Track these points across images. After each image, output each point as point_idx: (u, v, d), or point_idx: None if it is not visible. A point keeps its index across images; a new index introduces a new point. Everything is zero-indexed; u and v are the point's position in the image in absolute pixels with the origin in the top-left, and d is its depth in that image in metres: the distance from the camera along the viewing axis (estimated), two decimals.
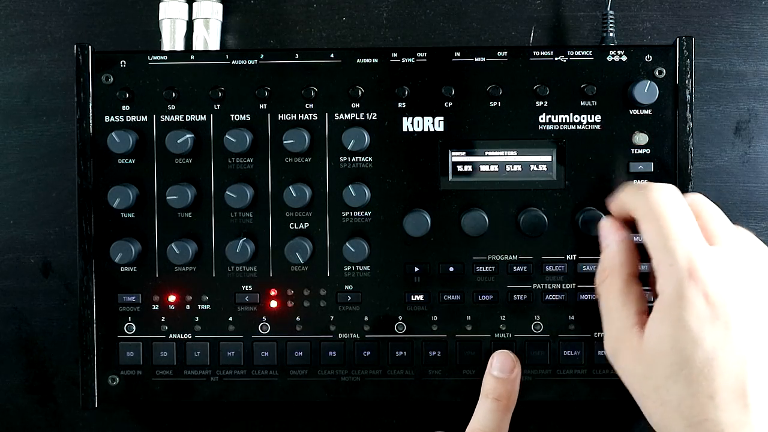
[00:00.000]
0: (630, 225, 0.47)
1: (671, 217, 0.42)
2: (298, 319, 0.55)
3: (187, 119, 0.54)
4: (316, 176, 0.54)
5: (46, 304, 0.61)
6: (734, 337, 0.39)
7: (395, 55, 0.54)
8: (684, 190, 0.53)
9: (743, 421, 0.38)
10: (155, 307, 0.55)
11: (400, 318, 0.55)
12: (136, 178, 0.55)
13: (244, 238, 0.54)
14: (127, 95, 0.54)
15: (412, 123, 0.54)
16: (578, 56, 0.54)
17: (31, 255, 0.60)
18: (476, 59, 0.54)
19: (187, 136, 0.53)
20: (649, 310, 0.43)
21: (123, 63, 0.54)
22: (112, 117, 0.55)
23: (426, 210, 0.54)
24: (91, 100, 0.54)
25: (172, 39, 0.58)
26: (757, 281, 0.41)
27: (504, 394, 0.51)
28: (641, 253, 0.46)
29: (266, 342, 0.55)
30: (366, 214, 0.54)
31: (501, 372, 0.52)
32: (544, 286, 0.54)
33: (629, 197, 0.46)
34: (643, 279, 0.47)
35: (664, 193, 0.43)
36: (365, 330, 0.55)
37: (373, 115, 0.54)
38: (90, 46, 0.54)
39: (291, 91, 0.54)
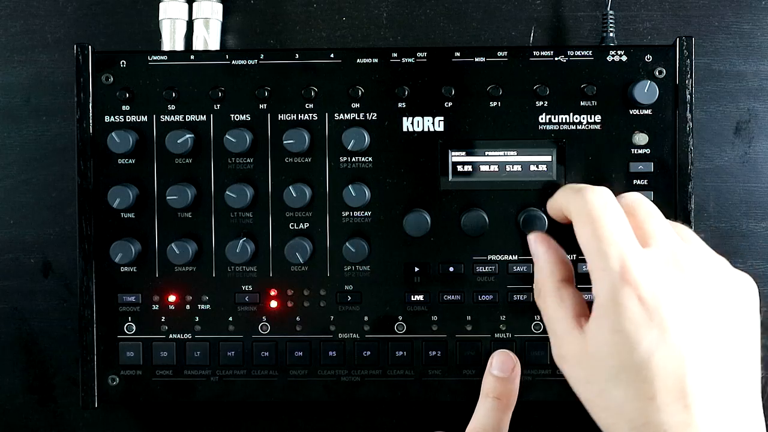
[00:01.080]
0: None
1: (604, 219, 0.41)
2: (298, 319, 0.55)
3: (187, 119, 0.54)
4: (316, 176, 0.54)
5: (46, 304, 0.61)
6: (670, 337, 0.39)
7: (395, 55, 0.54)
8: (684, 190, 0.53)
9: (686, 421, 0.38)
10: (155, 307, 0.55)
11: (400, 318, 0.55)
12: (136, 178, 0.55)
13: (244, 238, 0.54)
14: (127, 95, 0.54)
15: (412, 123, 0.54)
16: (578, 56, 0.54)
17: (31, 255, 0.60)
18: (476, 59, 0.54)
19: (187, 136, 0.53)
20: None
21: (123, 63, 0.54)
22: (112, 117, 0.55)
23: (426, 210, 0.54)
24: (91, 100, 0.54)
25: (172, 39, 0.58)
26: (692, 281, 0.40)
27: (504, 393, 0.51)
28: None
29: (266, 342, 0.55)
30: (366, 214, 0.54)
31: (501, 371, 0.52)
32: None
33: (564, 199, 0.46)
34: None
35: (597, 195, 0.43)
36: (365, 330, 0.55)
37: (373, 115, 0.54)
38: (90, 46, 0.54)
39: (291, 91, 0.54)
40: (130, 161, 0.55)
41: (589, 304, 0.43)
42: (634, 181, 0.53)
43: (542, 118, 0.54)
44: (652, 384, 0.39)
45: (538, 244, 0.47)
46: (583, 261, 0.53)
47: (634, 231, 0.42)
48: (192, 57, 0.55)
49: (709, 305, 0.40)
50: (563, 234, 0.53)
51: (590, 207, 0.42)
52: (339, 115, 0.54)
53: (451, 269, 0.54)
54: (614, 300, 0.40)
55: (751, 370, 0.40)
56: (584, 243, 0.42)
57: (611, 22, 0.57)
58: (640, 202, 0.44)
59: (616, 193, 0.53)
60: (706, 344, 0.39)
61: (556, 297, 0.44)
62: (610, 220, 0.41)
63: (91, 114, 0.54)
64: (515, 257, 0.54)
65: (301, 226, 0.55)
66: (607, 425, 0.41)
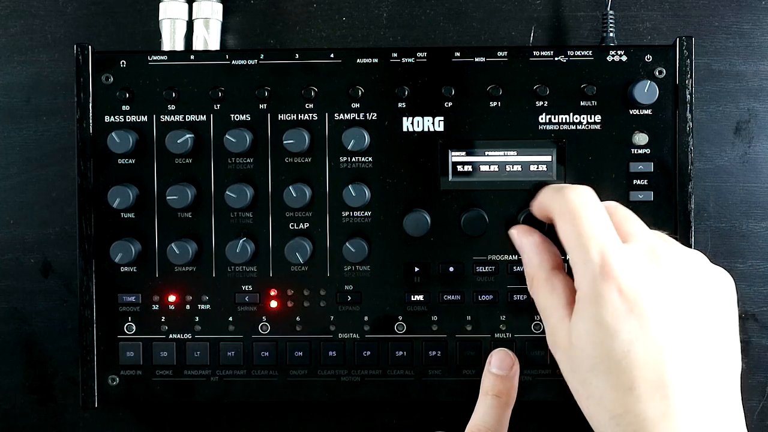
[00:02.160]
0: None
1: (585, 215, 0.42)
2: (298, 319, 0.55)
3: (187, 119, 0.54)
4: (316, 176, 0.54)
5: (46, 304, 0.61)
6: (650, 329, 0.40)
7: (395, 55, 0.54)
8: (684, 190, 0.53)
9: (664, 411, 0.39)
10: (155, 307, 0.55)
11: (400, 318, 0.55)
12: (136, 178, 0.55)
13: (244, 238, 0.54)
14: (127, 95, 0.54)
15: (412, 123, 0.54)
16: (578, 56, 0.54)
17: (31, 255, 0.60)
18: (476, 59, 0.54)
19: (187, 136, 0.53)
20: None
21: (123, 63, 0.54)
22: (112, 117, 0.55)
23: (426, 210, 0.54)
24: (91, 100, 0.54)
25: (172, 39, 0.58)
26: (670, 274, 0.41)
27: (504, 390, 0.52)
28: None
29: (266, 342, 0.55)
30: (366, 214, 0.54)
31: (500, 369, 0.52)
32: None
33: (547, 198, 0.46)
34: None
35: (580, 192, 0.43)
36: (365, 330, 0.55)
37: (373, 115, 0.54)
38: (90, 46, 0.54)
39: (291, 91, 0.54)
40: (130, 161, 0.55)
41: None
42: (634, 181, 0.53)
43: (542, 118, 0.54)
44: (631, 374, 0.39)
45: (522, 236, 0.48)
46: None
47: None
48: (192, 57, 0.55)
49: (688, 298, 0.41)
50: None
51: (571, 204, 0.43)
52: (339, 115, 0.54)
53: (451, 269, 0.54)
54: (595, 292, 0.40)
55: (729, 361, 0.41)
56: (565, 238, 0.43)
57: (611, 22, 0.57)
58: (618, 205, 0.45)
59: (617, 193, 0.53)
60: (685, 336, 0.40)
61: (547, 285, 0.45)
62: (591, 215, 0.42)
63: (91, 114, 0.54)
64: (515, 257, 0.54)
65: (301, 226, 0.55)
66: (590, 414, 0.42)
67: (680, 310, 0.40)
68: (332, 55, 0.54)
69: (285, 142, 0.53)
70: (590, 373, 0.41)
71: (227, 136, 0.53)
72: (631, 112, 0.53)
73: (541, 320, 0.54)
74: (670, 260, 0.42)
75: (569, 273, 0.44)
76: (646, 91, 0.52)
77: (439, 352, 0.54)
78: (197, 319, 0.55)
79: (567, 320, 0.43)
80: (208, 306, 0.55)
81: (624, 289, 0.40)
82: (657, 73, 0.53)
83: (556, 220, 0.44)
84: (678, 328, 0.40)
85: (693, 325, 0.40)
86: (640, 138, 0.53)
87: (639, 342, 0.39)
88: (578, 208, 0.43)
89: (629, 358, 0.39)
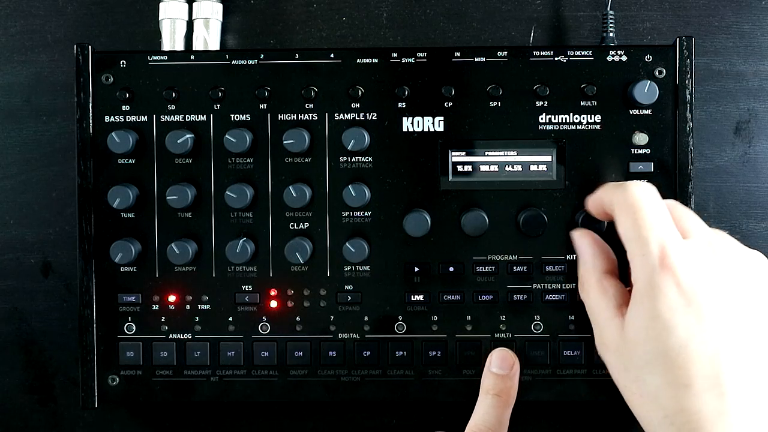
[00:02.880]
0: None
1: (646, 209, 0.43)
2: (298, 319, 0.55)
3: (187, 119, 0.54)
4: (316, 176, 0.54)
5: (46, 304, 0.61)
6: (707, 324, 0.39)
7: (395, 55, 0.54)
8: (684, 190, 0.53)
9: (720, 409, 0.38)
10: (155, 307, 0.55)
11: (400, 318, 0.55)
12: (136, 178, 0.55)
13: (244, 238, 0.54)
14: (127, 95, 0.54)
15: (412, 123, 0.54)
16: (578, 56, 0.54)
17: (31, 255, 0.60)
18: (476, 59, 0.54)
19: (187, 136, 0.53)
20: None
21: (123, 63, 0.54)
22: (112, 117, 0.55)
23: (426, 210, 0.54)
24: (91, 100, 0.54)
25: (172, 39, 0.58)
26: (729, 271, 0.41)
27: (504, 390, 0.52)
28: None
29: (266, 342, 0.55)
30: (366, 214, 0.54)
31: (500, 369, 0.52)
32: (544, 286, 0.54)
33: (607, 193, 0.47)
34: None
35: (641, 188, 0.44)
36: (365, 330, 0.55)
37: (373, 115, 0.54)
38: (90, 46, 0.54)
39: (291, 91, 0.54)
40: (130, 161, 0.55)
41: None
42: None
43: (542, 118, 0.54)
44: (688, 370, 0.39)
45: (582, 238, 0.49)
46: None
47: None
48: (192, 57, 0.55)
49: (746, 296, 0.41)
50: (563, 236, 0.53)
51: (632, 198, 0.43)
52: (339, 115, 0.54)
53: (451, 269, 0.54)
54: (653, 285, 0.40)
55: None
56: (625, 231, 0.43)
57: (611, 22, 0.57)
58: (678, 203, 0.47)
59: None
60: (741, 333, 0.40)
61: (599, 288, 0.45)
62: (652, 209, 0.43)
63: (91, 114, 0.54)
64: (515, 257, 0.54)
65: (301, 226, 0.55)
66: (641, 413, 0.42)
67: (737, 307, 0.40)
68: (332, 55, 0.54)
69: (285, 142, 0.53)
70: (644, 370, 0.40)
71: (227, 136, 0.53)
72: (631, 112, 0.53)
73: (541, 320, 0.54)
74: (728, 258, 0.42)
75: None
76: (646, 91, 0.52)
77: (439, 352, 0.54)
78: (197, 319, 0.55)
79: (617, 320, 0.43)
80: (208, 306, 0.55)
81: (682, 283, 0.40)
82: (657, 73, 0.53)
83: (616, 214, 0.44)
84: (735, 325, 0.40)
85: (750, 323, 0.40)
86: (640, 138, 0.53)
87: (696, 338, 0.39)
88: (639, 202, 0.43)
89: (686, 353, 0.39)
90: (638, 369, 0.41)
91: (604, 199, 0.47)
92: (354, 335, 0.55)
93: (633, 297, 0.42)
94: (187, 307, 0.55)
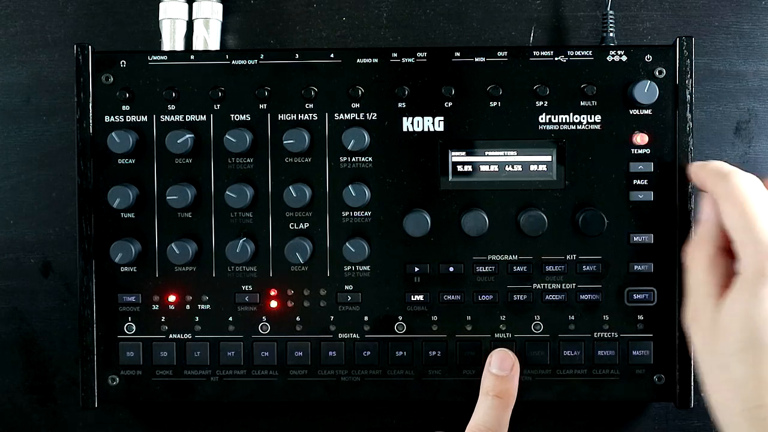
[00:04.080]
0: None
1: (753, 199, 0.43)
2: (298, 319, 0.55)
3: (187, 119, 0.54)
4: (316, 176, 0.54)
5: (46, 304, 0.61)
6: None
7: (395, 55, 0.54)
8: (684, 190, 0.53)
9: None
10: (155, 307, 0.55)
11: (400, 318, 0.55)
12: (136, 178, 0.55)
13: (244, 238, 0.54)
14: (127, 95, 0.54)
15: (412, 123, 0.54)
16: (578, 56, 0.54)
17: (31, 255, 0.60)
18: (476, 59, 0.54)
19: (187, 136, 0.53)
20: None
21: (123, 63, 0.54)
22: (112, 117, 0.55)
23: (426, 210, 0.54)
24: (91, 100, 0.54)
25: (172, 39, 0.58)
26: None
27: (504, 390, 0.52)
28: None
29: (266, 342, 0.55)
30: (366, 214, 0.54)
31: (500, 369, 0.52)
32: (544, 286, 0.54)
33: (710, 181, 0.47)
34: None
35: (746, 179, 0.45)
36: (365, 330, 0.55)
37: (373, 115, 0.54)
38: (90, 46, 0.54)
39: (291, 91, 0.54)
40: (130, 161, 0.55)
41: None
42: (634, 181, 0.53)
43: (542, 118, 0.54)
44: None
45: (711, 206, 0.47)
46: None
47: None
48: (192, 57, 0.55)
49: None
50: (563, 236, 0.53)
51: (739, 190, 0.44)
52: (339, 115, 0.54)
53: (451, 269, 0.54)
54: (762, 274, 0.40)
55: None
56: (732, 222, 0.43)
57: (611, 22, 0.57)
58: None
59: (617, 193, 0.53)
60: None
61: (709, 261, 0.45)
62: (760, 199, 0.43)
63: (91, 114, 0.54)
64: (515, 257, 0.54)
65: (301, 226, 0.55)
66: (719, 400, 0.41)
67: None
68: (332, 55, 0.54)
69: (285, 142, 0.53)
70: (733, 357, 0.40)
71: (227, 136, 0.53)
72: (631, 112, 0.53)
73: (541, 320, 0.54)
74: None
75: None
76: (646, 91, 0.52)
77: (439, 352, 0.54)
78: (197, 319, 0.55)
79: (716, 299, 0.43)
80: (208, 306, 0.55)
81: None
82: (657, 73, 0.53)
83: (721, 203, 0.45)
84: None
85: None
86: (640, 138, 0.53)
87: None
88: (747, 193, 0.43)
89: None
90: (727, 355, 0.40)
91: (706, 183, 0.47)
92: (354, 335, 0.55)
93: (738, 283, 0.41)
94: (187, 307, 0.55)
